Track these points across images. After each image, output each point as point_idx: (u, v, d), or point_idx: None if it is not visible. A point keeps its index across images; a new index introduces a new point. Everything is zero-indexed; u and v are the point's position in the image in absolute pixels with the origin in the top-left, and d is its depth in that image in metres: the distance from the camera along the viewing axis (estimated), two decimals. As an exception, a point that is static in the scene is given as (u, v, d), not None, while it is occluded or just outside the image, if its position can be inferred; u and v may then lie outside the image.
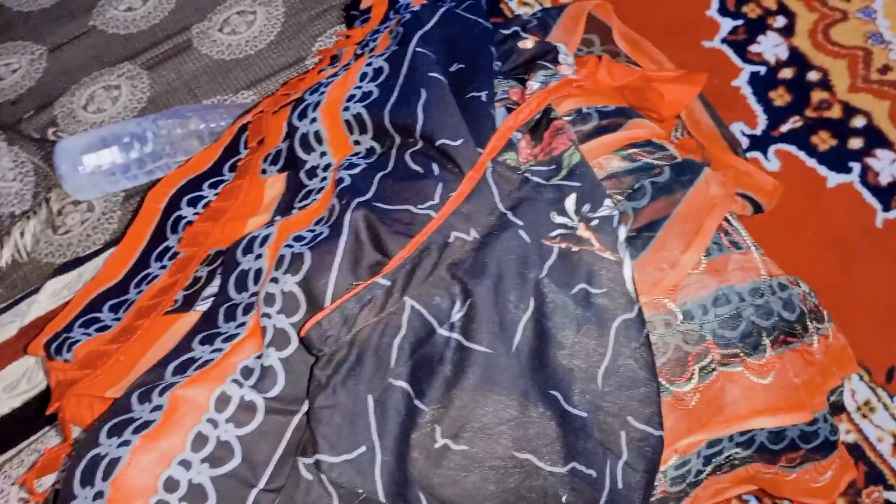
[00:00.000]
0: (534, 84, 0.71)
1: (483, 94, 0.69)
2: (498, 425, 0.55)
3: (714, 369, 0.59)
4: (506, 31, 0.79)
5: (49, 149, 0.96)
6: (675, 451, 0.59)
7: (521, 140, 0.67)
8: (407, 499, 0.54)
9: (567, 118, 0.69)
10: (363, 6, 0.97)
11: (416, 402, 0.55)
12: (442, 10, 0.79)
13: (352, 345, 0.56)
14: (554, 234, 0.60)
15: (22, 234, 0.94)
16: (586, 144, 0.66)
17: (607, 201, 0.61)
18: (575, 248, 0.59)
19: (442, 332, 0.57)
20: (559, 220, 0.61)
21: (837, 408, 0.68)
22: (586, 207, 0.61)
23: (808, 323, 0.64)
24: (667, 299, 0.60)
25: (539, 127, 0.68)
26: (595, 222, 0.60)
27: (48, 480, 0.57)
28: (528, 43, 0.77)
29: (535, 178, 0.64)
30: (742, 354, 0.60)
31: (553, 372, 0.57)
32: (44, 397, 0.78)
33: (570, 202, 0.61)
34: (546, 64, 0.73)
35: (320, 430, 0.53)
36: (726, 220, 0.66)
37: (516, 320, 0.57)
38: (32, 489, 0.54)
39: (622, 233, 0.59)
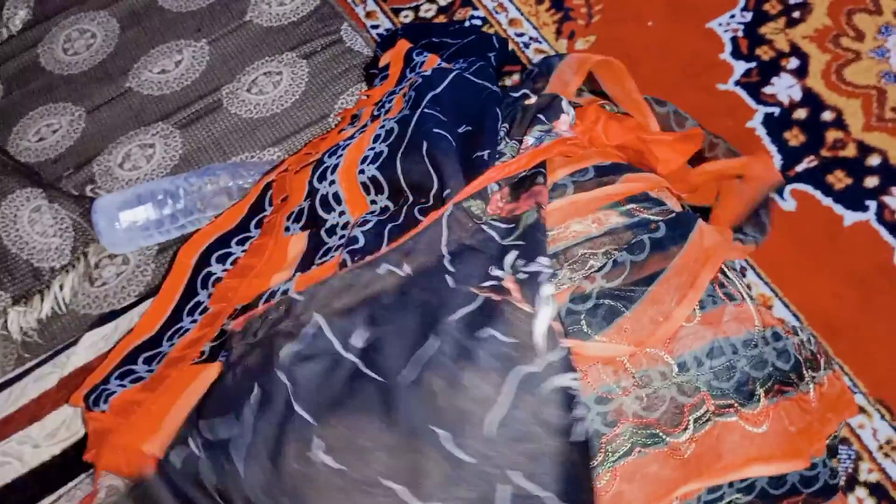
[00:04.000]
0: (529, 139, 0.73)
1: (485, 153, 0.72)
2: (374, 450, 0.56)
3: (709, 419, 0.61)
4: (515, 94, 0.82)
5: (87, 205, 1.01)
6: (675, 499, 0.61)
7: (497, 193, 0.69)
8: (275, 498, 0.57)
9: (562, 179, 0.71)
10: (381, 64, 1.02)
11: (297, 407, 0.58)
12: (452, 74, 0.83)
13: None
14: (486, 284, 0.62)
15: (61, 287, 0.98)
16: (581, 195, 0.69)
17: (543, 259, 0.62)
18: (497, 298, 0.61)
19: (341, 352, 0.60)
20: (496, 272, 0.63)
21: (832, 451, 0.69)
22: (520, 262, 0.63)
23: (804, 372, 0.65)
24: (663, 352, 0.62)
25: (523, 184, 0.70)
26: (522, 276, 0.62)
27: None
28: (532, 100, 0.80)
29: (490, 232, 0.66)
30: (736, 405, 0.61)
31: (446, 411, 0.57)
32: (82, 444, 0.82)
33: (509, 258, 0.64)
34: (542, 119, 0.75)
35: None
36: (721, 271, 0.68)
37: (420, 356, 0.59)
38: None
39: (547, 289, 0.60)
